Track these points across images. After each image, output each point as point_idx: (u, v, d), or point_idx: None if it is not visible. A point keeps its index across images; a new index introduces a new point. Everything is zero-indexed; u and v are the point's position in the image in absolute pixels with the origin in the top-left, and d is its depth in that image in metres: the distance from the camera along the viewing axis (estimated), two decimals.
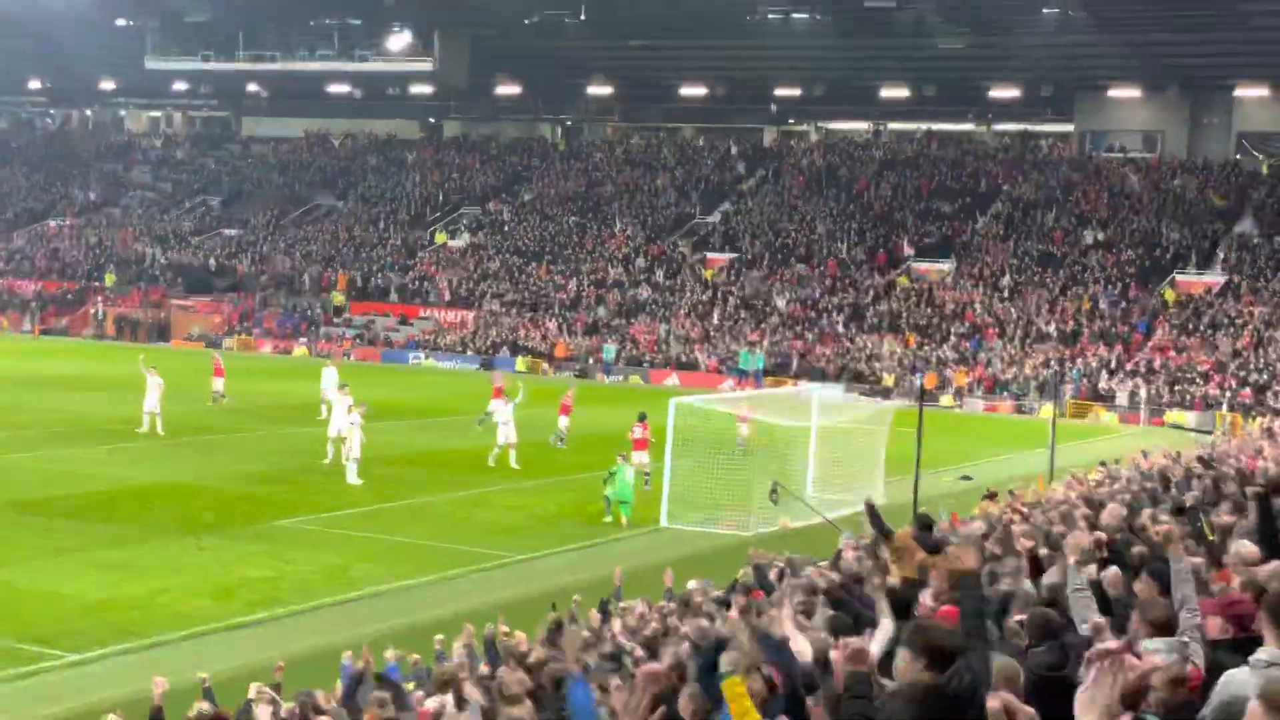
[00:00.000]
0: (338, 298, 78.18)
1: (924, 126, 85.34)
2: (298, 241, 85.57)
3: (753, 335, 67.71)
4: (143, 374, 41.28)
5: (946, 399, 59.69)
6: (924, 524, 16.75)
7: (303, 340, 73.77)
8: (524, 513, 32.08)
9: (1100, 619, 8.87)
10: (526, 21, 77.96)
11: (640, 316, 71.69)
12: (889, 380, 60.30)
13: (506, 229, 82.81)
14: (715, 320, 69.85)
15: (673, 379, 64.74)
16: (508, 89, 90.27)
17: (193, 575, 24.47)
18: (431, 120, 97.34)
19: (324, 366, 48.62)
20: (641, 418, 35.40)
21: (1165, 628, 8.24)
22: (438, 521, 30.42)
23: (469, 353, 71.21)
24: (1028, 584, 11.53)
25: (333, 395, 41.99)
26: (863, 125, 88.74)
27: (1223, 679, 7.08)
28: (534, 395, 41.87)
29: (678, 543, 29.40)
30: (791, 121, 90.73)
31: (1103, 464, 31.03)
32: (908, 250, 72.80)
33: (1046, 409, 43.82)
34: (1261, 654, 6.96)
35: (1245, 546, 10.18)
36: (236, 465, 36.24)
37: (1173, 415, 56.65)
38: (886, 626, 9.57)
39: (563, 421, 42.18)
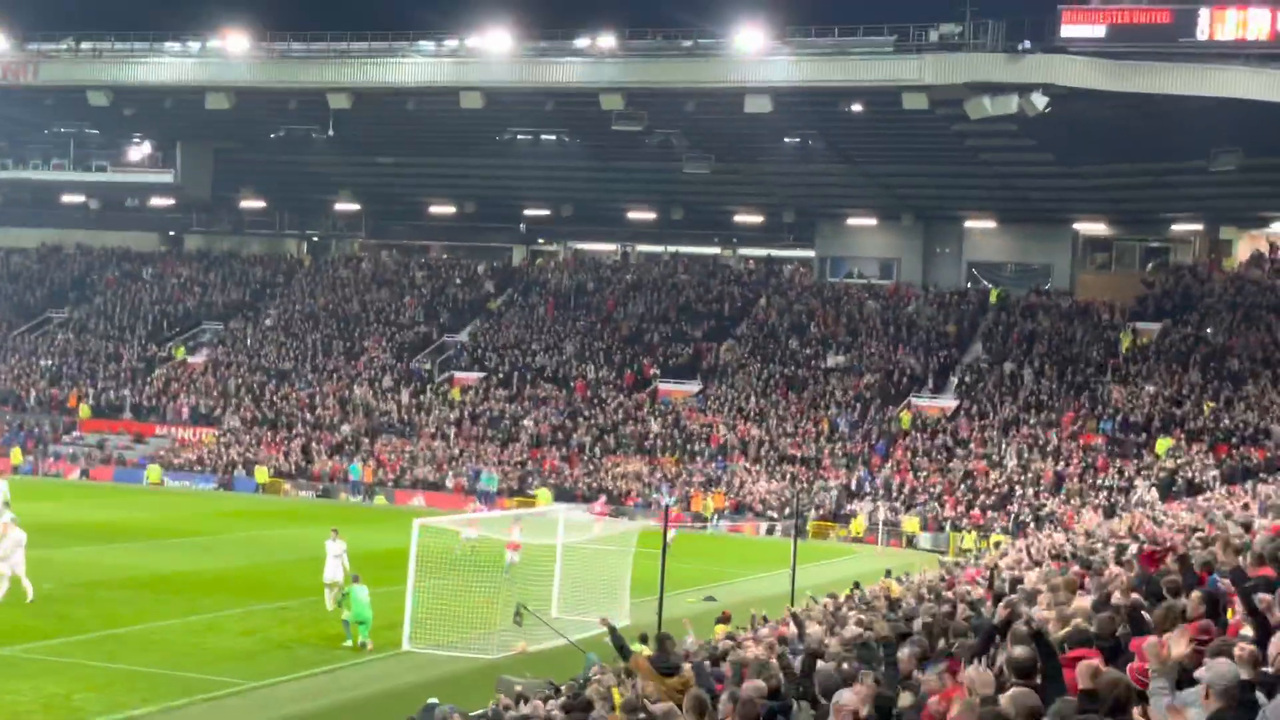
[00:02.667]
0: (85, 410, 75.20)
1: (671, 249, 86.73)
2: (26, 356, 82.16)
3: (501, 455, 67.27)
4: None
5: (699, 516, 60.05)
6: (664, 645, 16.82)
7: (28, 458, 70.43)
8: (259, 637, 30.96)
9: None
10: (272, 135, 76.98)
11: (386, 436, 70.66)
12: (663, 500, 59.54)
13: (250, 346, 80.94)
14: (461, 441, 69.25)
15: (418, 500, 63.80)
16: (252, 203, 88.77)
17: None
18: (172, 233, 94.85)
19: None
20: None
21: None
22: (167, 648, 29.12)
23: (206, 472, 69.17)
24: None
25: None
26: (611, 246, 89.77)
27: None
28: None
29: (420, 667, 28.70)
30: (541, 241, 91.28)
31: (834, 595, 31.41)
32: (654, 372, 73.51)
33: (791, 530, 44.48)
34: None
35: (982, 674, 10.14)
36: None
37: (907, 522, 58.14)
38: None
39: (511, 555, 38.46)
